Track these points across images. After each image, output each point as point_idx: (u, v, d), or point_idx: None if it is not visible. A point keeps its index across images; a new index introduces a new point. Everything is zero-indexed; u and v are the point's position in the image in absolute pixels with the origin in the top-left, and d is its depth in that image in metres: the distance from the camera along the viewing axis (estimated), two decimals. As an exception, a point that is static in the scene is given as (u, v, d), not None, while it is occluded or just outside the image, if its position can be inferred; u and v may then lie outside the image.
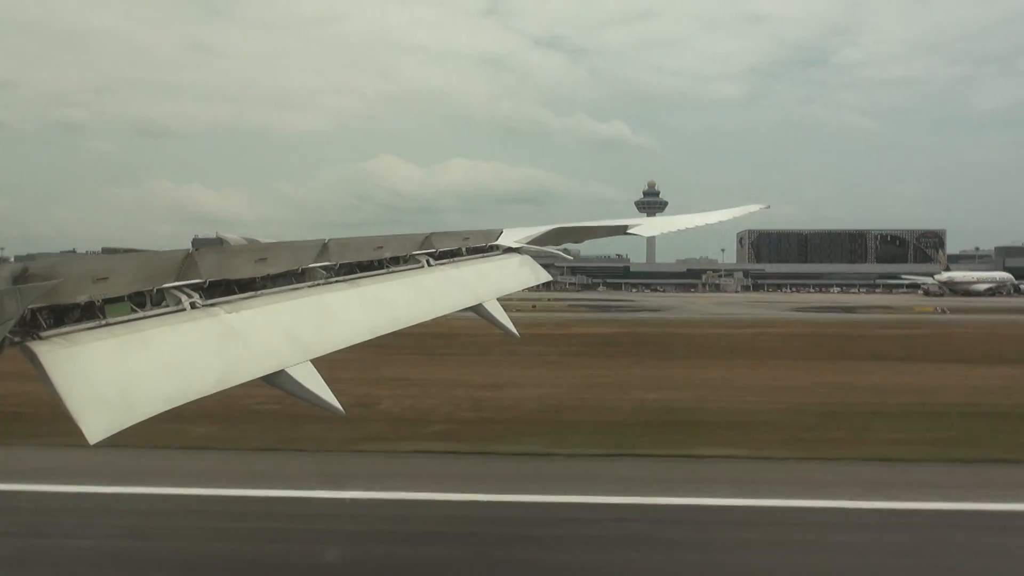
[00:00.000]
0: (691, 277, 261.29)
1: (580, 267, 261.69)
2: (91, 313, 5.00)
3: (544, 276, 10.69)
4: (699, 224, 15.48)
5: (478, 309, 8.85)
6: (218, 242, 7.17)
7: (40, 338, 4.63)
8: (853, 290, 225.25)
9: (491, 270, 9.63)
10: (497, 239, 10.23)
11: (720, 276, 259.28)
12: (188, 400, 5.08)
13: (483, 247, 9.88)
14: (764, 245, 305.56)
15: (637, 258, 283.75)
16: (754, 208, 17.57)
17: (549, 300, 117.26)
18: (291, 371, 5.82)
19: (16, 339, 4.53)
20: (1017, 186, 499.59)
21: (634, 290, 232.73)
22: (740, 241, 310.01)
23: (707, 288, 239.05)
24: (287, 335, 6.12)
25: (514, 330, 9.10)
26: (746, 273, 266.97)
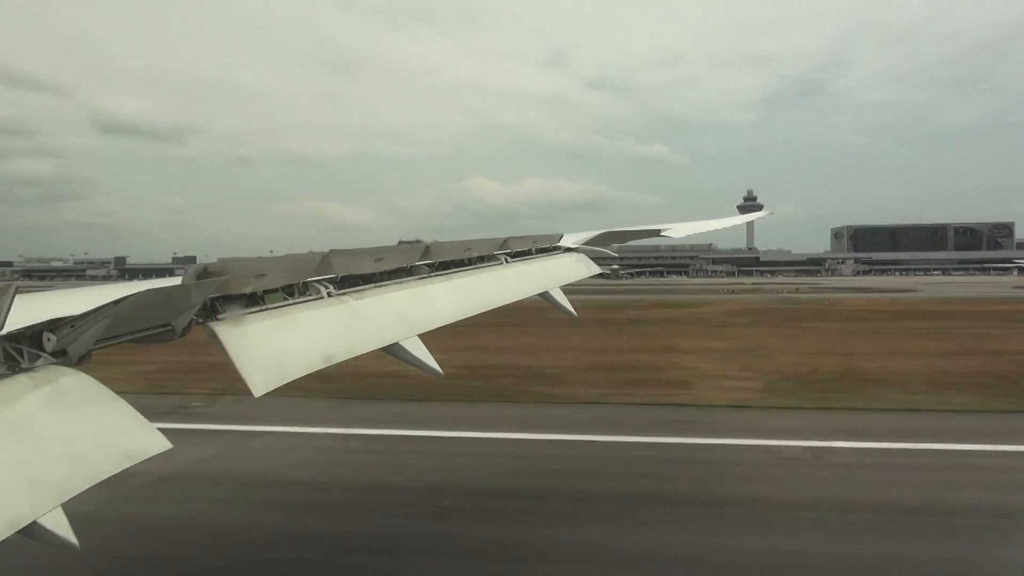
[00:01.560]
0: (811, 265, 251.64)
1: (719, 258, 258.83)
2: (254, 301, 5.19)
3: (595, 269, 10.71)
4: (717, 228, 15.32)
5: (544, 295, 8.96)
6: (421, 245, 7.33)
7: (217, 320, 4.83)
8: (957, 273, 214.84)
9: (554, 265, 9.70)
10: (559, 241, 10.31)
11: (839, 263, 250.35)
12: (325, 365, 5.20)
13: (548, 247, 9.98)
14: (861, 238, 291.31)
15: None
16: (762, 214, 17.40)
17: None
18: (403, 343, 6.00)
19: (200, 320, 4.74)
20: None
21: (768, 275, 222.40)
22: (835, 235, 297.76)
23: (830, 274, 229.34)
24: (399, 316, 6.25)
25: (573, 311, 9.19)
26: (856, 261, 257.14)
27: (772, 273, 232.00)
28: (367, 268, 6.36)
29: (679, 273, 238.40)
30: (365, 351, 5.65)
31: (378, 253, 6.50)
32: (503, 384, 24.66)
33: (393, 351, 5.94)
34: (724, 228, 15.49)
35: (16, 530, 2.95)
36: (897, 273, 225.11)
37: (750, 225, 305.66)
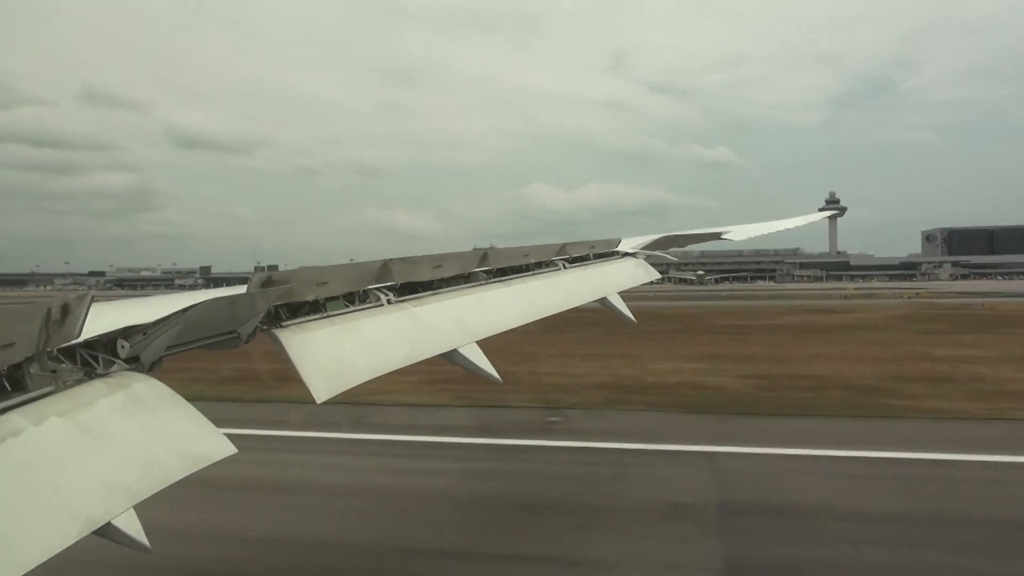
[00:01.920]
0: (905, 269, 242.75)
1: (807, 263, 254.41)
2: (316, 308, 5.28)
3: (655, 275, 10.59)
4: (780, 229, 14.93)
5: (603, 301, 8.91)
6: (479, 252, 7.32)
7: (281, 327, 4.93)
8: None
9: (612, 271, 9.63)
10: (617, 246, 10.22)
11: (935, 267, 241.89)
12: (385, 372, 5.25)
13: (606, 252, 9.91)
14: (956, 240, 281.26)
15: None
16: (826, 215, 16.92)
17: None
18: (461, 350, 6.02)
19: (264, 327, 4.85)
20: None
21: (860, 280, 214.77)
22: (927, 238, 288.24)
23: (926, 278, 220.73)
24: (458, 323, 6.27)
25: (632, 317, 9.10)
26: (953, 264, 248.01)
27: (863, 278, 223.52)
28: (426, 275, 6.42)
29: (763, 278, 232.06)
30: (424, 357, 5.70)
31: (436, 260, 6.55)
32: (835, 397, 22.07)
33: (452, 357, 5.97)
34: (788, 229, 15.12)
35: (91, 530, 3.05)
36: (999, 277, 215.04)
37: (833, 229, 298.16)
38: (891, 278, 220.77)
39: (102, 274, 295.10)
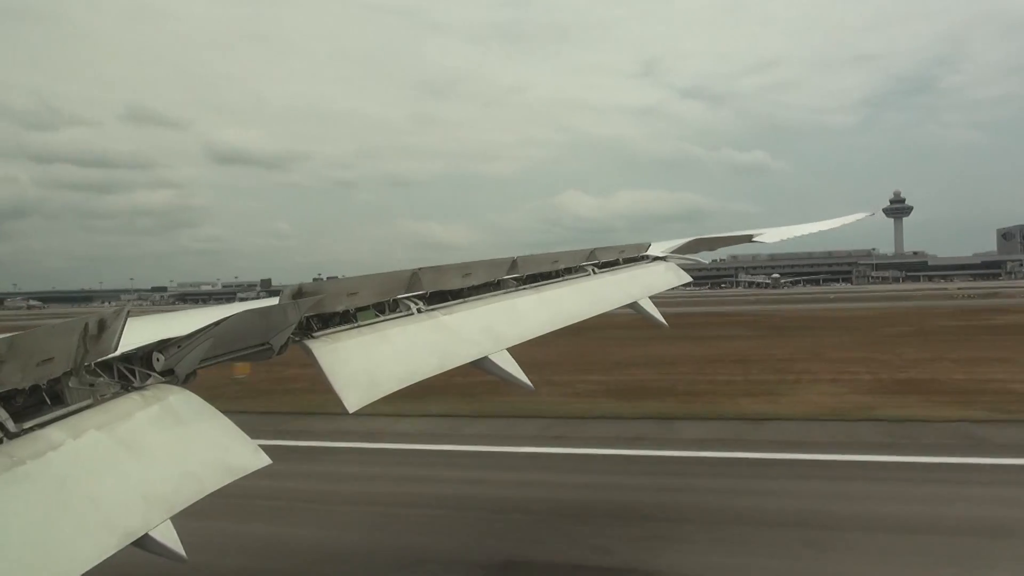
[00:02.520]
0: (986, 268, 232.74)
1: (885, 263, 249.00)
2: (347, 318, 5.31)
3: (685, 278, 10.49)
4: (813, 231, 14.67)
5: (633, 306, 8.85)
6: (508, 259, 7.26)
7: (313, 337, 4.96)
8: None
9: (642, 275, 9.56)
10: (647, 250, 10.16)
11: (1021, 266, 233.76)
12: (416, 381, 5.27)
13: (636, 257, 9.84)
14: None
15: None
16: (859, 216, 16.56)
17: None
18: (492, 357, 6.01)
19: (296, 338, 4.89)
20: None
21: (941, 280, 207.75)
22: (1004, 236, 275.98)
23: (1011, 277, 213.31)
24: (488, 331, 6.27)
25: (663, 321, 9.03)
26: None
27: (944, 278, 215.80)
28: (455, 284, 6.43)
29: (836, 280, 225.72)
30: (455, 366, 5.70)
31: (465, 269, 6.55)
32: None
33: (482, 365, 5.97)
34: (821, 231, 14.85)
35: (130, 541, 3.10)
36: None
37: (899, 230, 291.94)
38: (974, 277, 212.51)
39: (164, 289, 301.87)
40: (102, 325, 3.56)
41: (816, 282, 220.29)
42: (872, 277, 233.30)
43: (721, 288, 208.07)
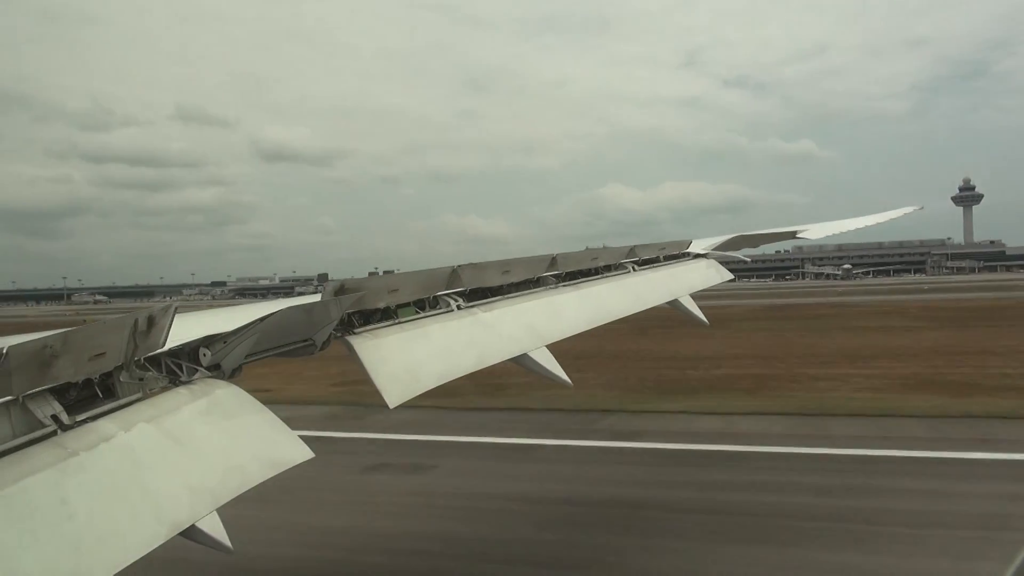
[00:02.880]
0: None
1: (960, 253, 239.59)
2: (387, 315, 5.38)
3: (727, 275, 10.37)
4: (859, 227, 14.35)
5: (674, 304, 8.79)
6: (548, 256, 7.23)
7: (354, 333, 5.04)
8: None
9: (683, 272, 9.48)
10: (688, 247, 10.08)
11: None
12: (456, 376, 5.31)
13: (676, 254, 9.77)
14: None
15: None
16: (908, 210, 16.12)
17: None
18: (531, 354, 6.03)
19: (338, 334, 4.97)
20: None
21: (1021, 271, 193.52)
22: None
23: None
24: (527, 327, 6.29)
25: (704, 319, 8.95)
26: None
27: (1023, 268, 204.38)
28: (495, 281, 6.45)
29: (908, 271, 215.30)
30: (494, 362, 5.73)
31: (505, 266, 6.58)
32: None
33: (522, 362, 5.99)
34: (867, 226, 14.52)
35: (178, 532, 3.18)
36: None
37: (968, 218, 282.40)
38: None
39: (224, 283, 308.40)
40: (151, 321, 3.66)
41: (887, 273, 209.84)
42: (947, 268, 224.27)
43: (787, 280, 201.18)
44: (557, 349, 6.27)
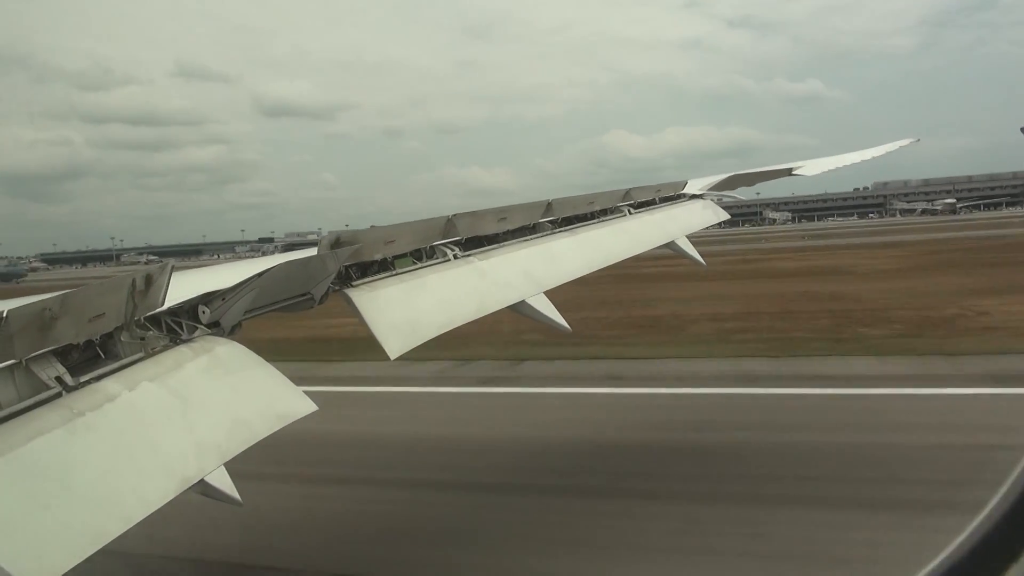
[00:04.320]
0: None
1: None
2: (385, 266, 5.38)
3: (723, 215, 10.36)
4: (856, 161, 14.25)
5: (671, 245, 8.79)
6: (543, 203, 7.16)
7: (352, 286, 5.04)
8: None
9: (679, 213, 9.46)
10: (683, 188, 10.03)
11: None
12: (455, 326, 5.35)
13: (672, 196, 9.73)
14: None
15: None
16: (904, 143, 16.01)
17: None
18: (529, 301, 6.06)
19: (336, 287, 4.97)
20: None
21: None
22: None
23: None
24: (524, 274, 6.30)
25: (702, 260, 8.98)
26: None
27: None
28: (491, 229, 6.44)
29: (1000, 205, 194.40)
30: (493, 310, 5.76)
31: (501, 213, 6.56)
32: None
33: (520, 309, 6.02)
34: (864, 160, 14.43)
35: (187, 487, 3.24)
36: None
37: None
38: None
39: (271, 239, 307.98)
40: (148, 280, 3.66)
41: (998, 206, 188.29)
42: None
43: (870, 217, 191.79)
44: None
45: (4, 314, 2.95)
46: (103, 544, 2.76)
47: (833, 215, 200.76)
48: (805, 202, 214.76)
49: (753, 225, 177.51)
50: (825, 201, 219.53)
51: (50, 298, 3.22)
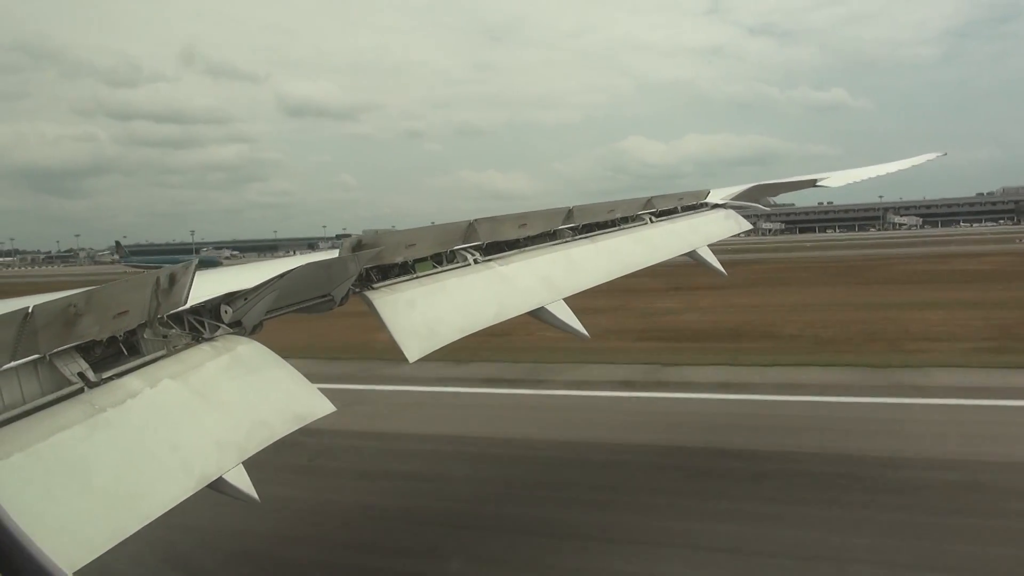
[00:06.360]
0: None
1: None
2: (405, 270, 5.40)
3: (746, 225, 10.26)
4: (880, 174, 14.09)
5: (692, 255, 8.74)
6: (564, 209, 7.18)
7: (373, 289, 5.06)
8: None
9: (701, 223, 9.38)
10: (706, 197, 9.95)
11: None
12: (475, 330, 5.33)
13: (694, 204, 9.67)
14: None
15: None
16: (931, 156, 15.84)
17: None
18: (549, 307, 6.03)
19: (356, 290, 4.99)
20: None
21: None
22: None
23: None
24: (544, 281, 6.27)
25: (722, 270, 8.91)
26: None
27: None
28: (511, 234, 6.43)
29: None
30: (512, 316, 5.75)
31: (521, 219, 6.55)
32: None
33: (539, 315, 6.01)
34: (889, 173, 14.26)
35: (206, 484, 3.26)
36: None
37: None
38: None
39: (348, 235, 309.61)
40: (172, 279, 3.69)
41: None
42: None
43: (999, 223, 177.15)
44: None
45: (30, 309, 2.99)
46: (120, 540, 2.77)
47: (958, 221, 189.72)
48: (928, 207, 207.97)
49: (877, 230, 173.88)
50: (950, 206, 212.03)
51: (75, 294, 3.26)
